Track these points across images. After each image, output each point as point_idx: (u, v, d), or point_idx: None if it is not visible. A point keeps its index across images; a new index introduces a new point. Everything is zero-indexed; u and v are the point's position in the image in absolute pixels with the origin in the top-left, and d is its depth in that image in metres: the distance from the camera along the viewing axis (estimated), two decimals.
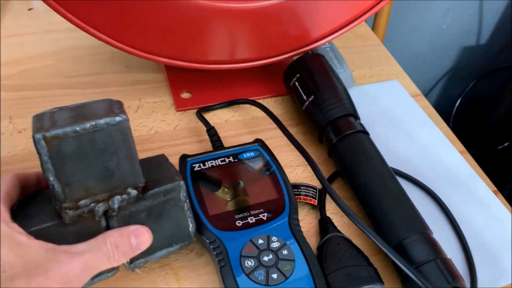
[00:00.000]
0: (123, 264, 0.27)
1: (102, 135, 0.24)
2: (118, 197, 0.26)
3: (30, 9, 0.54)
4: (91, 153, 0.24)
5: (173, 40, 0.39)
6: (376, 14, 0.81)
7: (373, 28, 0.83)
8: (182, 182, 0.28)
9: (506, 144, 0.95)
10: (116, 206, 0.26)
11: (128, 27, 0.37)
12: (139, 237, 0.26)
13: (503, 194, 0.89)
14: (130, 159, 0.25)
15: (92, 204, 0.25)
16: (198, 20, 0.38)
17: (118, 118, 0.24)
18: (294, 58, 0.43)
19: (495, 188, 0.39)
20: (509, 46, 1.07)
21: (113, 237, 0.25)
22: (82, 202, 0.25)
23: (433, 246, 0.31)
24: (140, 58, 0.39)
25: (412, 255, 0.30)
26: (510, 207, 0.38)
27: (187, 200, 0.29)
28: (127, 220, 0.27)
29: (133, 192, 0.26)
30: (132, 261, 0.28)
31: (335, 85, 0.39)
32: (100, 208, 0.25)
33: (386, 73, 0.49)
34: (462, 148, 0.42)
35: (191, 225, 0.29)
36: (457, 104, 1.05)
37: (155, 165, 0.29)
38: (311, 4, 0.40)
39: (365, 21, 0.88)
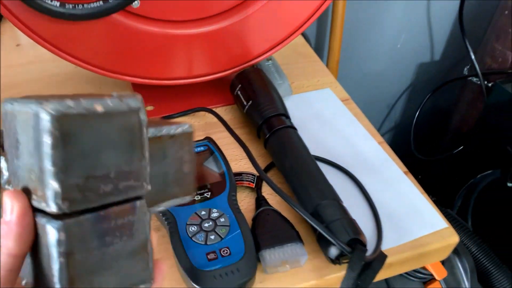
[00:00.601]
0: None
1: None
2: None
3: (18, 45, 0.63)
4: None
5: (137, 62, 0.48)
6: (330, 38, 0.91)
7: (329, 50, 0.93)
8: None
9: (460, 148, 1.04)
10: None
11: (98, 53, 0.45)
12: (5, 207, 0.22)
13: (459, 195, 0.97)
14: None
15: None
16: (158, 45, 0.47)
17: None
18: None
19: (405, 169, 0.47)
20: (460, 61, 1.18)
21: None
22: None
23: (340, 209, 0.38)
24: (112, 80, 0.48)
25: (323, 216, 0.38)
26: (440, 212, 0.46)
27: None
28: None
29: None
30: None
31: (269, 92, 0.48)
32: None
33: (321, 83, 0.58)
34: (381, 139, 0.50)
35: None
36: (416, 116, 1.14)
37: None
38: (249, 27, 0.49)
39: (316, 45, 0.98)
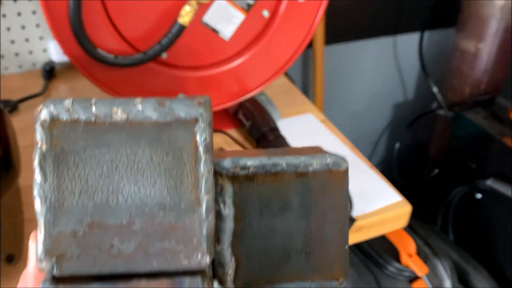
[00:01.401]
0: None
1: None
2: None
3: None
4: None
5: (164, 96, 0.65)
6: (313, 84, 1.09)
7: (313, 95, 1.10)
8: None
9: (436, 171, 1.18)
10: None
11: (137, 90, 0.62)
12: None
13: (440, 212, 1.10)
14: None
15: None
16: (180, 84, 0.64)
17: None
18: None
19: (370, 164, 0.62)
20: (431, 98, 1.36)
21: None
22: None
23: None
24: None
25: None
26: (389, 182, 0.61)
27: None
28: None
29: None
30: None
31: (264, 113, 0.64)
32: None
33: (304, 110, 0.74)
34: (352, 145, 0.66)
35: None
36: (398, 149, 1.30)
37: None
38: (244, 70, 0.66)
39: (302, 89, 1.16)
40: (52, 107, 0.15)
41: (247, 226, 0.17)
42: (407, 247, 0.89)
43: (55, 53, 0.82)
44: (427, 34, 1.22)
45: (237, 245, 0.17)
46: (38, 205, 0.15)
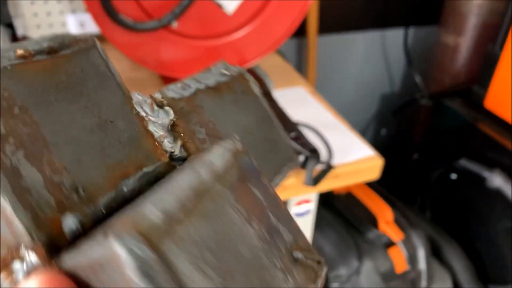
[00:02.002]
0: None
1: None
2: None
3: None
4: None
5: (170, 61, 0.74)
6: (306, 70, 1.19)
7: (307, 77, 1.19)
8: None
9: (416, 155, 1.28)
10: None
11: (149, 54, 0.71)
12: None
13: (418, 193, 1.19)
14: None
15: None
16: (185, 51, 0.73)
17: None
18: None
19: (350, 127, 0.71)
20: (415, 90, 1.45)
21: None
22: None
23: (307, 141, 0.62)
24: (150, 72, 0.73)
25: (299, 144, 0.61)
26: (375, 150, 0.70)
27: None
28: None
29: None
30: None
31: (260, 81, 0.73)
32: None
33: (296, 84, 0.83)
34: (336, 113, 0.75)
35: None
36: (383, 134, 1.40)
37: None
38: (242, 43, 0.75)
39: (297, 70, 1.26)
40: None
41: None
42: (385, 215, 0.98)
43: (73, 26, 0.91)
44: (413, 30, 1.32)
45: None
46: None
